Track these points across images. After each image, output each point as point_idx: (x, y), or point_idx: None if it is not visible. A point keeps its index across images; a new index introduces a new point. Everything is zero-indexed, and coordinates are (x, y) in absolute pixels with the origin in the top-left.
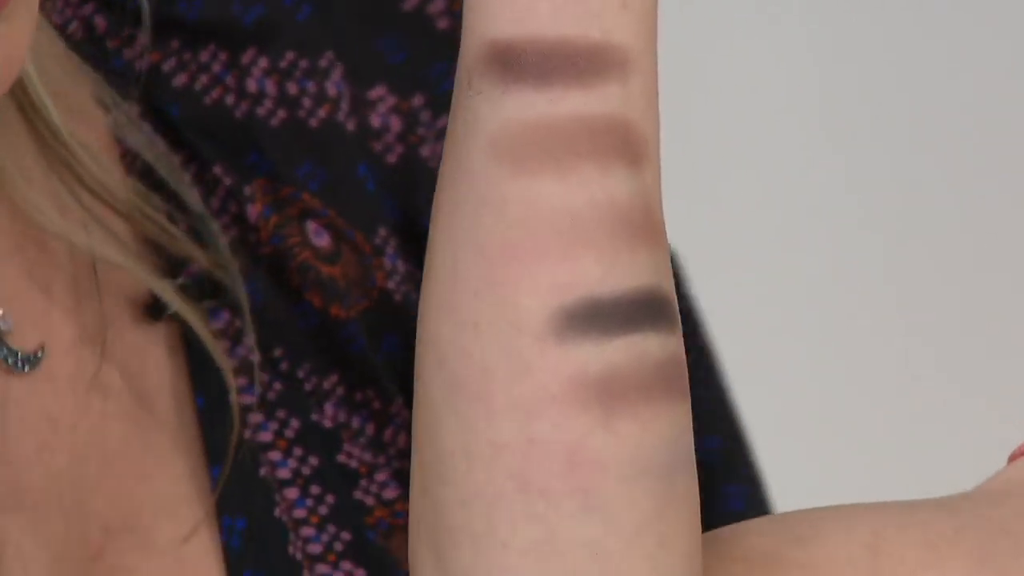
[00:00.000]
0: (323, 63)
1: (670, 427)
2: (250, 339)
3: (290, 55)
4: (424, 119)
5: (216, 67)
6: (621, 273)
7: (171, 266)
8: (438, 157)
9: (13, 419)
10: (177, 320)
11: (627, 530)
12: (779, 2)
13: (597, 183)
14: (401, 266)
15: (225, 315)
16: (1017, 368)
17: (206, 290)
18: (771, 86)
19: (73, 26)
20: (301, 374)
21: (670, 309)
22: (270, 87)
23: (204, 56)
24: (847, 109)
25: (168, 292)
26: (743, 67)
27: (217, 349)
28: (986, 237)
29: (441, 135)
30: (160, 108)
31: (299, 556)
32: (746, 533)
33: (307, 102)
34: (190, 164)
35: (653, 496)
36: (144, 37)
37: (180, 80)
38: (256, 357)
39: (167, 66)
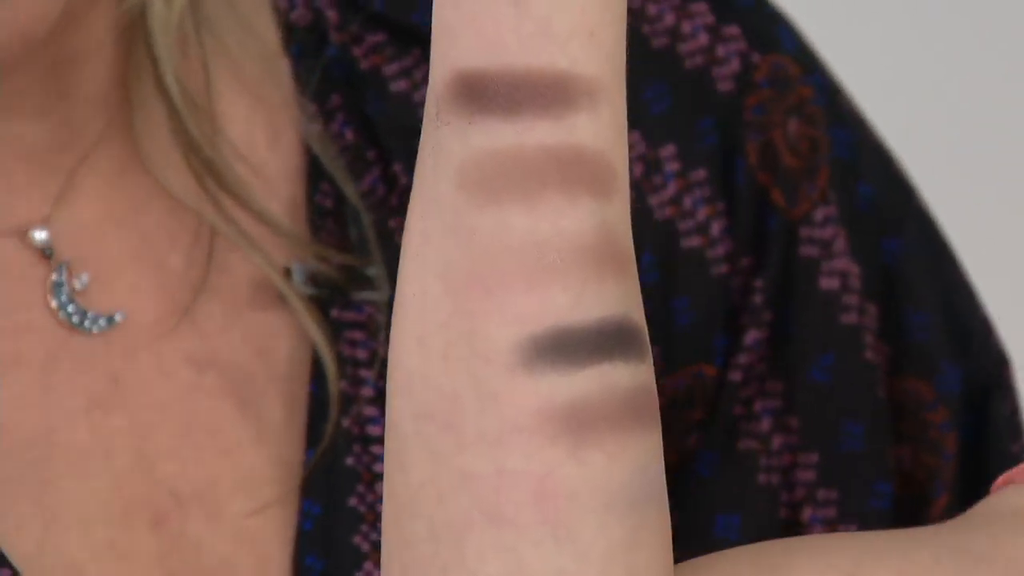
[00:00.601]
0: None
1: (640, 457)
2: (385, 335)
3: None
4: (669, 169)
5: None
6: (589, 303)
7: (322, 253)
8: (666, 206)
9: (62, 374)
10: (312, 307)
11: (597, 561)
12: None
13: (565, 213)
14: None
15: (368, 308)
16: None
17: (352, 281)
18: None
19: (298, 12)
20: None
21: (639, 338)
22: None
23: None
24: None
25: (281, 281)
26: None
27: (320, 336)
28: (984, 238)
29: (688, 189)
30: (361, 104)
31: (365, 547)
32: (721, 563)
33: None
34: (379, 161)
35: (623, 526)
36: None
37: (399, 86)
38: (384, 352)
39: (390, 70)
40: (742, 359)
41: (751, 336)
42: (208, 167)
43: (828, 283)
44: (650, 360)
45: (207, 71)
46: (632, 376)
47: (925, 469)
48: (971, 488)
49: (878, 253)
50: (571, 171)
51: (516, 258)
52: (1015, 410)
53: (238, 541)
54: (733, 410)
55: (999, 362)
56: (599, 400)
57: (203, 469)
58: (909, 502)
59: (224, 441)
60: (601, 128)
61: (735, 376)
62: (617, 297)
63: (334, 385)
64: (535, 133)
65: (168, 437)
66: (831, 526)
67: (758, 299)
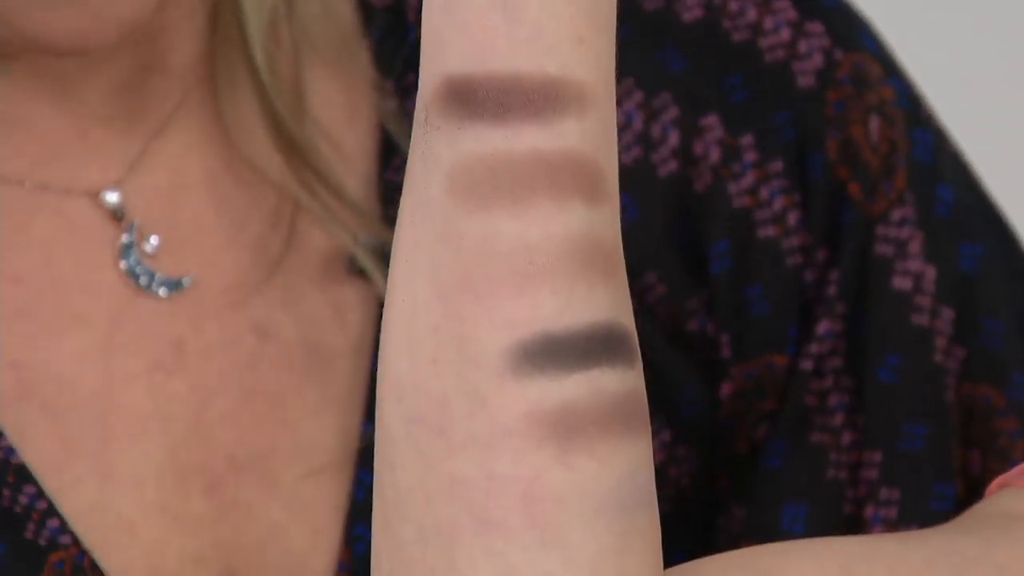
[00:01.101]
0: (657, 103)
1: (629, 462)
2: None
3: (627, 81)
4: (747, 159)
5: None
6: (578, 308)
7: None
8: (744, 195)
9: (126, 335)
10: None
11: (585, 565)
12: None
13: (554, 219)
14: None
15: None
16: None
17: None
18: None
19: None
20: None
21: (628, 344)
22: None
23: None
24: None
25: (361, 254)
26: None
27: None
28: None
29: (765, 180)
30: None
31: None
32: (712, 567)
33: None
34: None
35: (612, 531)
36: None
37: None
38: None
39: None
40: (813, 348)
41: (823, 326)
42: (292, 142)
43: (901, 283)
44: (639, 366)
45: (295, 49)
46: (621, 381)
47: (994, 475)
48: None
49: (956, 258)
50: (560, 176)
51: (505, 263)
52: None
53: (290, 508)
54: (804, 400)
55: None
56: (587, 405)
57: (261, 437)
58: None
59: (284, 411)
60: (590, 133)
61: (806, 365)
62: (606, 302)
63: None
64: (524, 138)
65: (228, 404)
66: (892, 526)
67: (832, 291)
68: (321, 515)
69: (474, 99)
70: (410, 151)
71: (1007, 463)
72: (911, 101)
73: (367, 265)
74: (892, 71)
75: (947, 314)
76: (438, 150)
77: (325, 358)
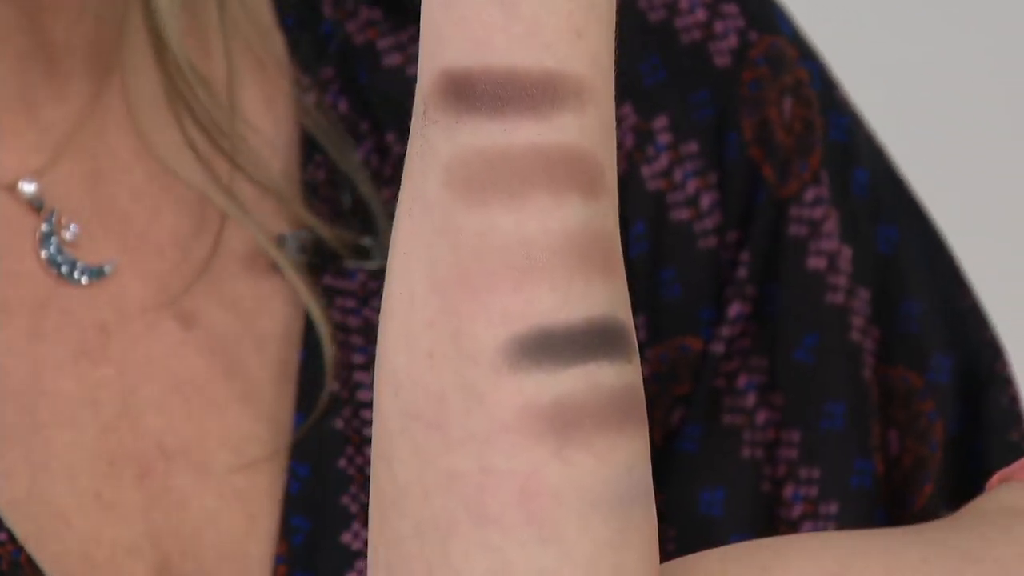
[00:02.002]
0: None
1: (626, 457)
2: (376, 302)
3: None
4: (661, 141)
5: None
6: (575, 303)
7: (304, 221)
8: (657, 178)
9: (51, 323)
10: (304, 274)
11: (582, 560)
12: None
13: (551, 213)
14: None
15: (360, 276)
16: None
17: (346, 251)
18: None
19: None
20: None
21: (625, 338)
22: None
23: None
24: None
25: (274, 249)
26: None
27: (313, 302)
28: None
29: (679, 162)
30: (354, 77)
31: (353, 508)
32: (709, 562)
33: None
34: (372, 132)
35: (608, 526)
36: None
37: (392, 60)
38: (376, 320)
39: (383, 43)
40: (725, 331)
41: (734, 309)
42: (202, 131)
43: (815, 263)
44: (637, 360)
45: (206, 37)
46: (618, 376)
47: (912, 456)
48: (960, 478)
49: (873, 239)
50: (558, 170)
51: (502, 257)
52: (1014, 399)
53: (224, 497)
54: (714, 382)
55: (993, 354)
56: (584, 400)
57: (190, 424)
58: (896, 488)
59: (211, 398)
60: (588, 127)
61: (717, 348)
62: (604, 297)
63: (328, 350)
64: (522, 132)
65: (155, 391)
66: (812, 504)
67: (743, 273)
68: (255, 504)
69: (472, 93)
70: (408, 144)
71: (926, 446)
72: (825, 84)
73: (284, 263)
74: (807, 54)
75: (863, 294)
76: (436, 144)
77: (248, 350)
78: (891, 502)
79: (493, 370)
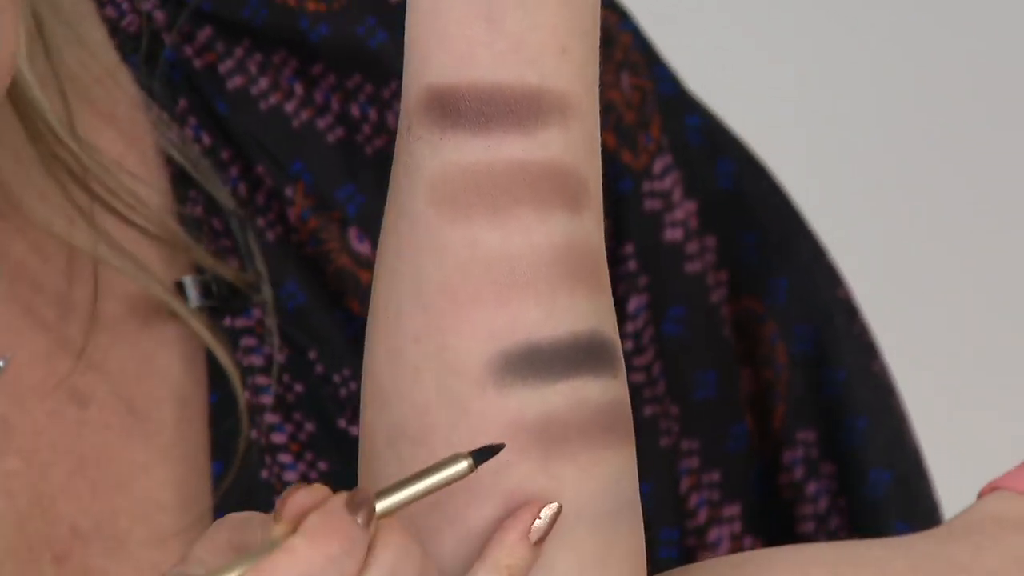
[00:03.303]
0: (386, 93)
1: (611, 471)
2: (274, 339)
3: (356, 77)
4: None
5: (287, 72)
6: (560, 317)
7: (199, 263)
8: None
9: None
10: (206, 318)
11: (569, 574)
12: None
13: (535, 228)
14: None
15: (256, 312)
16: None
17: (236, 288)
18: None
19: (128, 19)
20: (337, 379)
21: (611, 353)
22: (334, 103)
23: (276, 59)
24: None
25: (167, 296)
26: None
27: (221, 350)
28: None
29: None
30: (209, 104)
31: None
32: (698, 574)
33: (366, 128)
34: (236, 160)
35: (594, 540)
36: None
37: (236, 82)
38: (280, 357)
39: (224, 67)
40: (630, 327)
41: (633, 303)
42: (82, 187)
43: (672, 235)
44: (623, 375)
45: (62, 94)
46: (603, 391)
47: (764, 383)
48: (815, 401)
49: (713, 178)
50: (542, 186)
51: (487, 273)
52: (864, 331)
53: (142, 573)
54: (631, 378)
55: (832, 282)
56: (569, 415)
57: (100, 503)
58: (757, 421)
59: (117, 473)
60: (572, 143)
61: (627, 345)
62: (588, 311)
63: (241, 397)
64: (506, 148)
65: (63, 475)
66: (695, 475)
67: (632, 266)
68: None
69: (456, 109)
70: (393, 161)
71: (772, 368)
72: (643, 40)
73: (179, 309)
74: (622, 15)
75: (710, 243)
76: (420, 160)
77: (152, 408)
78: (756, 435)
79: (478, 385)
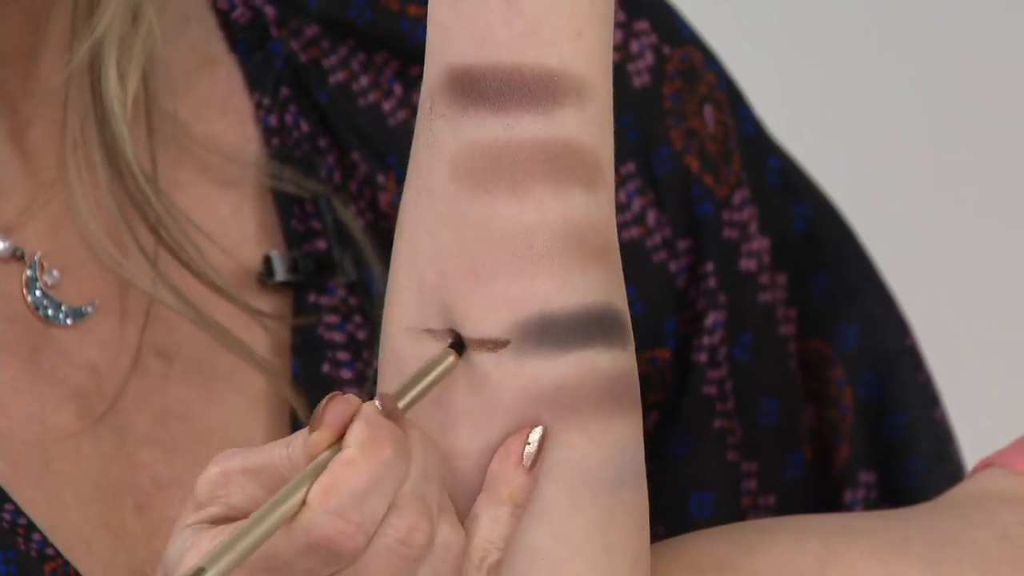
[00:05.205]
0: None
1: (619, 440)
2: (358, 317)
3: None
4: None
5: (388, 72)
6: (573, 290)
7: (291, 239)
8: None
9: (48, 363)
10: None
11: (572, 539)
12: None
13: (551, 204)
14: None
15: (339, 292)
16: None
17: (322, 266)
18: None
19: (238, 12)
20: None
21: (621, 325)
22: None
23: (379, 59)
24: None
25: (228, 284)
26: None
27: (303, 326)
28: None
29: (621, 183)
30: (311, 94)
31: None
32: (698, 541)
33: None
34: (332, 148)
35: (599, 506)
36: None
37: (338, 77)
38: (363, 335)
39: (328, 62)
40: (706, 341)
41: (711, 319)
42: (151, 230)
43: (747, 264)
44: (632, 347)
45: (151, 147)
46: (613, 361)
47: (828, 423)
48: (876, 444)
49: (790, 221)
50: (558, 164)
51: (504, 246)
52: (929, 380)
53: None
54: (703, 390)
55: (900, 332)
56: (581, 384)
57: (179, 457)
58: (818, 457)
59: (198, 428)
60: (587, 123)
61: (700, 357)
62: (600, 285)
63: (316, 371)
64: (524, 127)
65: (147, 425)
66: (753, 496)
67: (712, 283)
68: None
69: (476, 89)
70: (415, 138)
71: (838, 410)
72: (727, 81)
73: (271, 284)
74: (709, 55)
75: (781, 280)
76: (442, 137)
77: (224, 376)
78: (817, 471)
79: (494, 354)
